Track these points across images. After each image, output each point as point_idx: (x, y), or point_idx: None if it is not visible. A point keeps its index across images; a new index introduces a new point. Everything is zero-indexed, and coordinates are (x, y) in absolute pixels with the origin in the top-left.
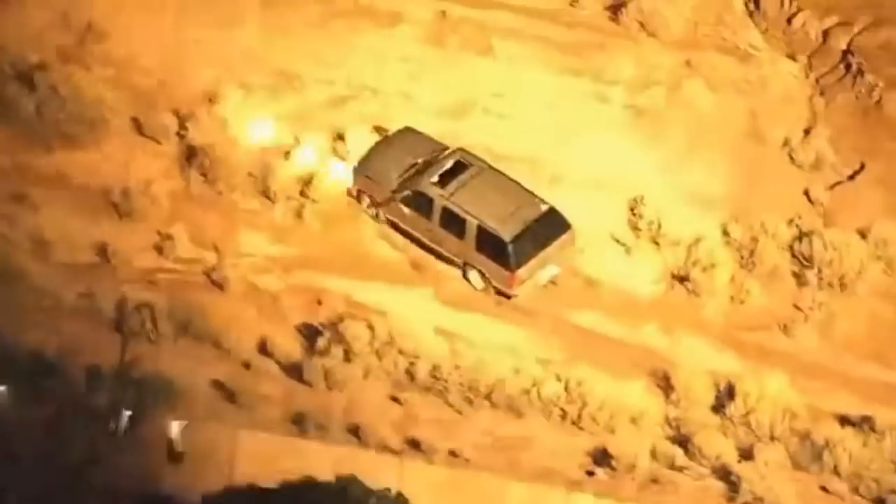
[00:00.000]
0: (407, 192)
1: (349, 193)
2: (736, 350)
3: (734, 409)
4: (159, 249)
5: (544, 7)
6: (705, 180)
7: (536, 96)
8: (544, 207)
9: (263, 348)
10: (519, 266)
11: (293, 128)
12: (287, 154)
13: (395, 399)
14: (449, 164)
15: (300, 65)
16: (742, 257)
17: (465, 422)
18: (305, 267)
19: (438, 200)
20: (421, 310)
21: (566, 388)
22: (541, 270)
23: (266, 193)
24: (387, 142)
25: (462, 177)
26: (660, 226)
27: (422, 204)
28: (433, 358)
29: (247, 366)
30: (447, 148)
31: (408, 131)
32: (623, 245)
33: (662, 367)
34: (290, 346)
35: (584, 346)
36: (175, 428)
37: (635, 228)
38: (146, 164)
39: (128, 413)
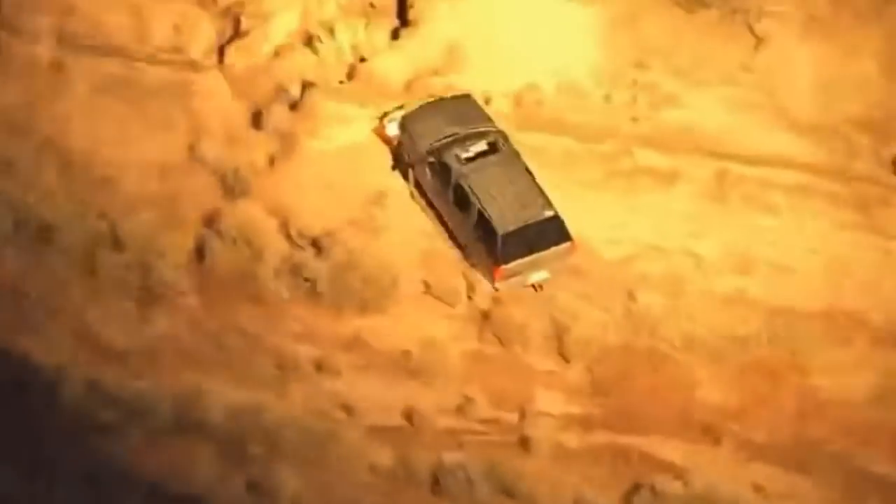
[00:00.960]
0: (433, 159)
1: (388, 142)
2: None
3: None
4: (461, 410)
5: (824, 162)
6: None
7: (821, 251)
8: (548, 213)
9: None
10: (505, 262)
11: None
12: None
13: None
14: (483, 144)
15: (584, 224)
16: None
17: None
18: (606, 426)
19: (455, 175)
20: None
21: None
22: (530, 273)
23: (562, 353)
24: (440, 104)
25: (487, 160)
26: None
27: (443, 174)
28: None
29: None
30: (491, 126)
31: (465, 98)
32: None
33: None
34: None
35: None
36: None
37: None
38: (439, 326)
39: None
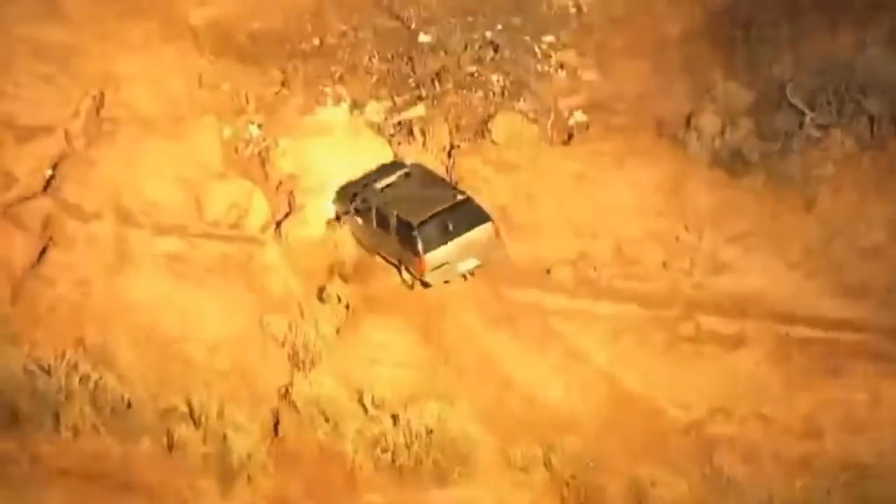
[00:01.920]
0: (356, 202)
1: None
2: None
3: None
4: None
5: (887, 324)
6: None
7: (890, 415)
8: (459, 198)
9: None
10: (426, 251)
11: None
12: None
13: None
14: (398, 175)
15: (654, 388)
16: None
17: None
18: None
19: (374, 201)
20: None
21: None
22: (457, 262)
23: None
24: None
25: (402, 183)
26: None
27: (365, 209)
28: None
29: None
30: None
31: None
32: None
33: None
34: None
35: None
36: None
37: None
38: (520, 496)
39: None
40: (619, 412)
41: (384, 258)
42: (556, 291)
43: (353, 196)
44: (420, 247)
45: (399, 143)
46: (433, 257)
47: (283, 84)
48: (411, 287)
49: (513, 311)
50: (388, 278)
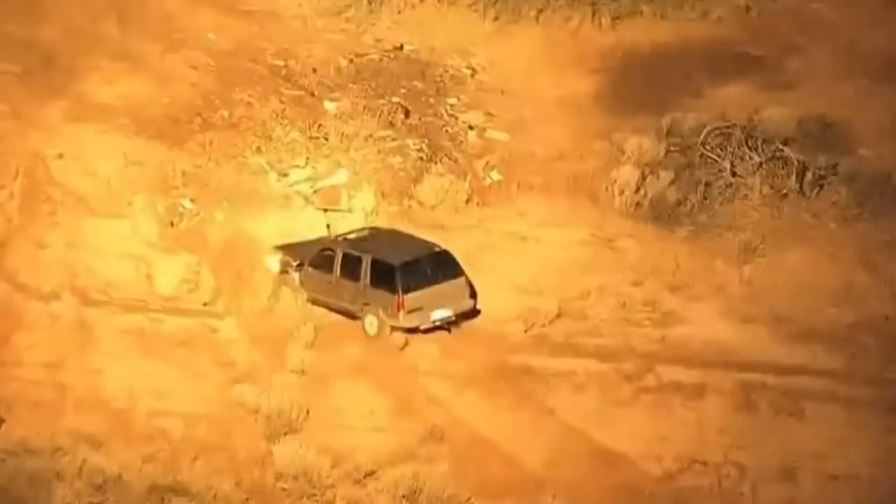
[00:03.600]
0: (316, 253)
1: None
2: None
3: None
4: None
5: (839, 366)
6: None
7: (862, 455)
8: (437, 249)
9: None
10: (406, 291)
11: None
12: None
13: None
14: (365, 232)
15: (623, 443)
16: None
17: None
18: None
19: (341, 250)
20: None
21: None
22: (431, 309)
23: None
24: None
25: (366, 235)
26: None
27: (326, 260)
28: None
29: None
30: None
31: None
32: None
33: None
34: None
35: None
36: None
37: None
38: None
39: None
40: (595, 468)
41: (340, 310)
42: (517, 350)
43: (322, 249)
44: (400, 285)
45: (326, 210)
46: (412, 298)
47: (206, 158)
48: (377, 335)
49: (479, 372)
50: (353, 341)
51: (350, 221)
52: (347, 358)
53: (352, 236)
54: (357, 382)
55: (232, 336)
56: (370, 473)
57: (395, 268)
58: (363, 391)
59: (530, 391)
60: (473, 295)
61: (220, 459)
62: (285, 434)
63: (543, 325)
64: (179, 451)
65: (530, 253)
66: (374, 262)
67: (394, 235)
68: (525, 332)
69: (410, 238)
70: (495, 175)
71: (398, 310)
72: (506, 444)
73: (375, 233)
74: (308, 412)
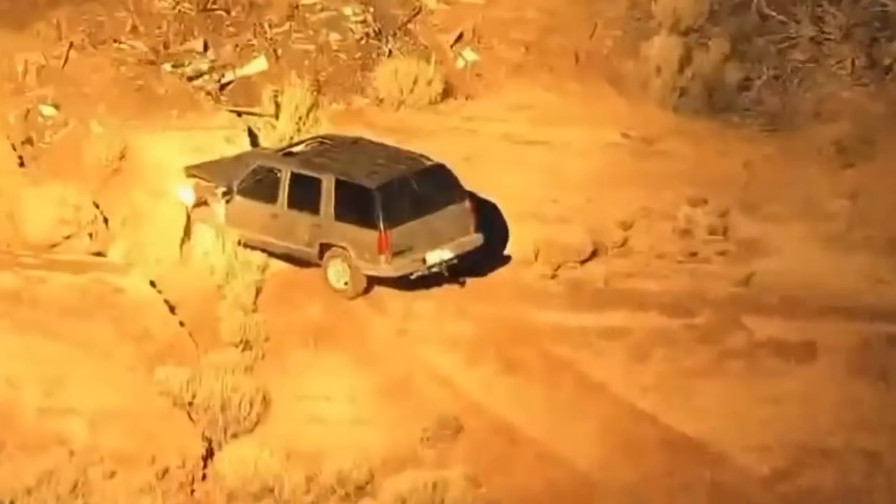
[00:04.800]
0: (248, 176)
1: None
2: None
3: None
4: None
5: None
6: None
7: None
8: (428, 163)
9: None
10: (390, 224)
11: None
12: None
13: None
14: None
15: (715, 431)
16: None
17: None
18: None
19: (286, 169)
20: None
21: None
22: (426, 249)
23: None
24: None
25: (320, 149)
26: None
27: (265, 184)
28: None
29: None
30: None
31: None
32: None
33: None
34: None
35: None
36: None
37: None
38: None
39: None
40: (668, 466)
41: (289, 254)
42: (543, 303)
43: (227, 171)
44: (381, 217)
45: (240, 114)
46: (399, 234)
47: (67, 45)
48: (350, 294)
49: (494, 335)
50: (312, 298)
51: (279, 131)
52: (306, 322)
53: (298, 149)
54: (325, 357)
55: (141, 297)
56: (361, 487)
57: (371, 192)
58: (335, 369)
59: (567, 360)
60: (479, 227)
61: (144, 474)
62: (234, 435)
63: (575, 267)
64: (86, 464)
65: (539, 163)
66: (341, 185)
67: (360, 147)
68: (551, 276)
69: (384, 149)
70: (469, 54)
71: (380, 252)
72: (542, 436)
73: (333, 144)
74: (264, 401)
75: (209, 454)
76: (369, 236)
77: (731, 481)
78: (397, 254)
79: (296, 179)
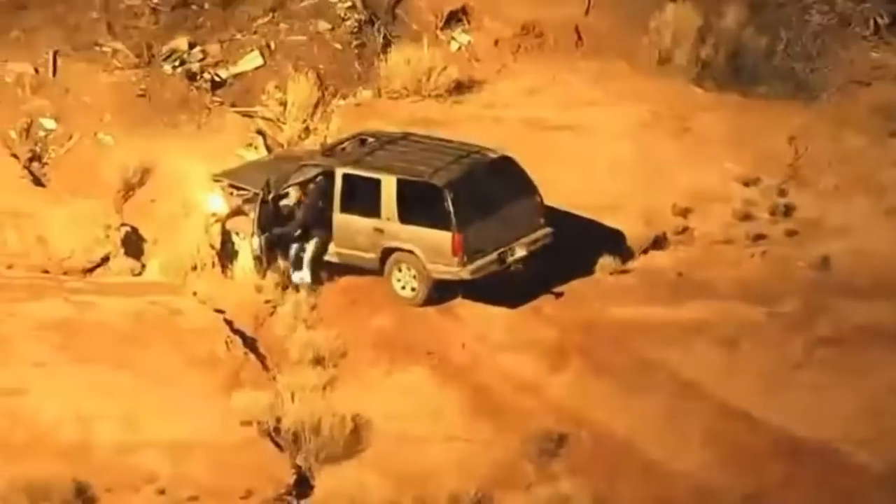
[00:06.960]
0: (291, 178)
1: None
2: None
3: None
4: None
5: None
6: None
7: None
8: (493, 155)
9: None
10: (463, 224)
11: None
12: None
13: None
14: (349, 144)
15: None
16: None
17: None
18: None
19: (338, 172)
20: None
21: None
22: (501, 247)
23: None
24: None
25: (370, 148)
26: None
27: (312, 189)
28: None
29: None
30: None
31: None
32: None
33: None
34: None
35: None
36: None
37: None
38: None
39: None
40: (785, 471)
41: (343, 262)
42: (616, 298)
43: (261, 176)
44: (454, 216)
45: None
46: (473, 233)
47: (52, 52)
48: (417, 301)
49: (574, 337)
50: (378, 309)
51: (287, 130)
52: (376, 334)
53: (343, 148)
54: (403, 371)
55: (200, 318)
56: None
57: (440, 190)
58: (415, 383)
59: (656, 359)
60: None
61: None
62: (326, 460)
63: (637, 257)
64: (181, 501)
65: (572, 149)
66: (404, 185)
67: (413, 142)
68: (621, 271)
69: (440, 142)
70: (462, 36)
71: (454, 254)
72: (647, 444)
73: (379, 141)
74: (352, 423)
75: (300, 482)
76: (441, 238)
77: (838, 479)
78: (475, 255)
79: (349, 181)
